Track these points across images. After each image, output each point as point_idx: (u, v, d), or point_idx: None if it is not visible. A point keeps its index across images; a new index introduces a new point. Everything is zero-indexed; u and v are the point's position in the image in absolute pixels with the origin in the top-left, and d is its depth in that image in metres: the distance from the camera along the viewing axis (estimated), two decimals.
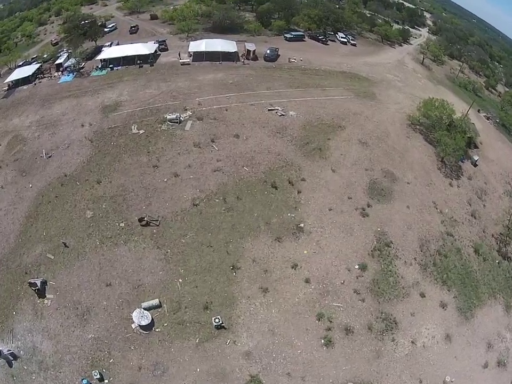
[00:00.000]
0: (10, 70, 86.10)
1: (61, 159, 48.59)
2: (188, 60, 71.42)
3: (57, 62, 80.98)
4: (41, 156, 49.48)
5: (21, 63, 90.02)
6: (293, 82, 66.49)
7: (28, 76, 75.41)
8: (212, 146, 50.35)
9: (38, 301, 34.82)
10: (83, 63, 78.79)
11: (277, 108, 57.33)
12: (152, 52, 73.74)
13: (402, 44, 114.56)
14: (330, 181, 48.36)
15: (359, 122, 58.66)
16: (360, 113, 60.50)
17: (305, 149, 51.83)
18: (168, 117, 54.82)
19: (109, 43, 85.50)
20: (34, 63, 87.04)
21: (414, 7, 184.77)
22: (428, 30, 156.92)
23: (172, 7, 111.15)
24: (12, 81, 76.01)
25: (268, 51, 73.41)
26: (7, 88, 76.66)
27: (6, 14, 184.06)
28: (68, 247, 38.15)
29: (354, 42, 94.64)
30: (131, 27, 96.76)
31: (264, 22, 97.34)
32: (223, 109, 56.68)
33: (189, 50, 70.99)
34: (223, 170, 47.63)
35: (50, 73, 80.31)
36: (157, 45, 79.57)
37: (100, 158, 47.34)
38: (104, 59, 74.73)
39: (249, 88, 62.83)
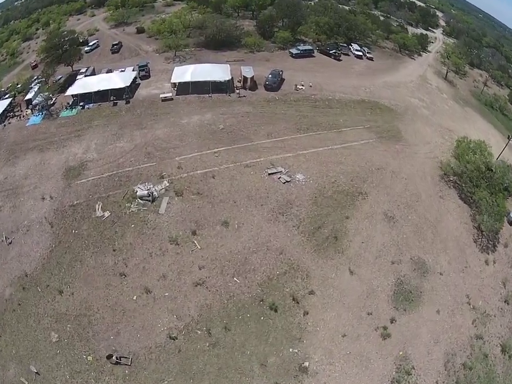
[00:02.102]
0: None
1: (21, 248, 38.31)
2: (170, 94, 54.38)
3: (26, 97, 65.42)
4: (1, 240, 39.86)
5: None
6: (300, 122, 49.68)
7: None
8: (193, 242, 35.24)
9: None
10: (54, 98, 63.72)
11: (280, 169, 41.25)
12: (128, 85, 57.34)
13: (421, 52, 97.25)
14: (347, 290, 33.53)
15: (384, 183, 42.74)
16: (386, 167, 44.37)
17: (316, 237, 36.22)
18: (139, 192, 39.97)
19: (85, 69, 69.41)
20: (7, 96, 72.06)
21: (425, 6, 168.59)
22: (442, 31, 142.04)
23: (162, 16, 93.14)
24: None
25: (270, 77, 57.07)
26: None
27: (1, 22, 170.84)
28: (40, 374, 29.23)
29: (371, 55, 75.71)
30: (113, 45, 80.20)
31: (266, 32, 79.25)
32: (209, 176, 40.99)
33: (172, 80, 52.86)
34: (207, 283, 32.61)
35: (21, 110, 65.60)
36: (136, 72, 63.76)
37: (61, 253, 36.27)
38: (74, 95, 59.31)
39: (245, 137, 46.60)
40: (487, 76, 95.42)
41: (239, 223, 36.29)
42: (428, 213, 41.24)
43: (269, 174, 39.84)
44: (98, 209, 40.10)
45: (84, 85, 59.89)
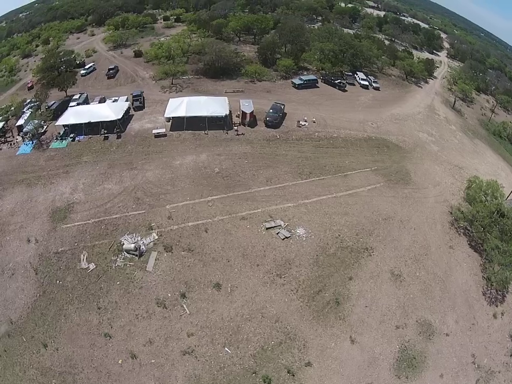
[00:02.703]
0: None
1: (5, 292, 36.58)
2: (164, 130, 50.60)
3: (18, 123, 62.44)
4: None
5: None
6: (303, 165, 46.57)
7: None
8: (182, 306, 32.35)
9: None
10: (46, 126, 60.69)
11: (278, 223, 38.07)
12: (120, 117, 53.97)
13: (427, 79, 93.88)
14: (347, 360, 30.18)
15: (391, 235, 39.52)
16: (393, 216, 41.07)
17: (316, 302, 32.99)
18: (126, 245, 36.97)
19: (78, 95, 66.20)
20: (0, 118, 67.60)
21: (430, 27, 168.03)
22: (446, 54, 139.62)
23: (161, 39, 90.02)
24: None
25: (270, 112, 53.60)
26: None
27: (5, 34, 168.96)
28: None
29: (377, 85, 72.13)
30: (109, 69, 77.15)
31: (267, 59, 76.51)
32: (201, 229, 37.76)
33: (166, 115, 49.14)
34: (196, 352, 29.68)
35: (13, 136, 62.74)
36: (129, 103, 60.70)
37: (45, 304, 34.28)
38: (65, 125, 56.41)
39: (242, 183, 43.51)
40: (494, 102, 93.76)
41: (232, 286, 33.26)
42: (437, 267, 38.30)
43: (267, 228, 36.55)
44: (83, 259, 37.49)
45: (75, 114, 56.94)
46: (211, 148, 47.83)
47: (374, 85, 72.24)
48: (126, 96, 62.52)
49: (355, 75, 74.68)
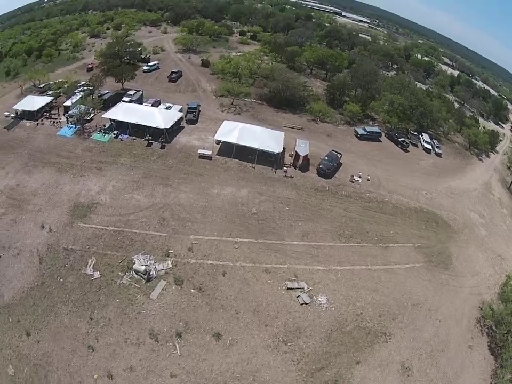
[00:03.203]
0: (34, 88, 78.36)
1: (5, 269, 38.46)
2: (210, 153, 51.60)
3: (66, 103, 66.85)
4: None
5: (42, 85, 79.39)
6: (345, 226, 46.17)
7: (34, 112, 64.72)
8: (175, 345, 32.12)
9: None
10: (93, 114, 63.80)
11: (302, 285, 37.77)
12: (168, 128, 56.38)
13: (489, 153, 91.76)
14: None
15: (415, 324, 37.78)
16: (423, 303, 39.65)
17: (314, 379, 31.13)
18: (136, 264, 37.64)
19: (134, 92, 69.43)
20: (50, 92, 75.05)
21: (498, 96, 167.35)
22: (510, 127, 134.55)
23: (232, 53, 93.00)
24: (18, 111, 65.93)
25: (325, 159, 54.38)
26: (14, 115, 66.51)
27: (80, 8, 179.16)
28: None
29: (440, 151, 71.69)
30: (172, 72, 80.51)
31: (335, 100, 78.29)
32: (219, 271, 38.04)
33: (216, 137, 50.40)
34: None
35: (58, 115, 67.19)
36: (182, 114, 63.04)
37: (40, 296, 35.75)
38: (112, 119, 59.48)
39: (276, 231, 43.53)
40: None
41: (232, 340, 32.81)
42: (450, 366, 35.93)
43: (288, 288, 36.34)
44: (90, 265, 38.52)
45: (125, 111, 60.27)
46: (254, 184, 48.52)
47: (437, 150, 71.58)
48: (181, 106, 65.20)
49: (420, 135, 73.85)
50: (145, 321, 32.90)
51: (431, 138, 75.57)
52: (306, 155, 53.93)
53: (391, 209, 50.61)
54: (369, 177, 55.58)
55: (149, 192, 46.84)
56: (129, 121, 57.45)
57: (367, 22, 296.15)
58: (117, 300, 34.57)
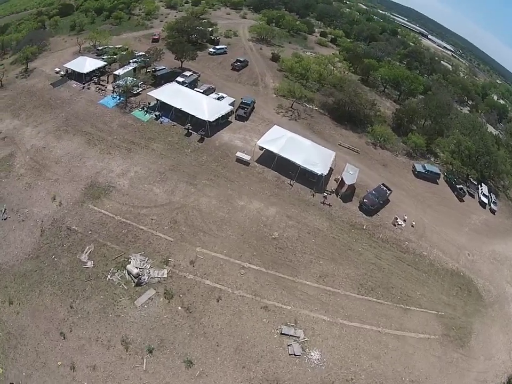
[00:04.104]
0: (93, 49, 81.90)
1: (8, 232, 41.33)
2: (248, 158, 50.90)
3: (116, 71, 68.49)
4: (0, 211, 43.23)
5: (100, 48, 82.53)
6: (370, 276, 43.09)
7: (83, 74, 67.52)
8: (142, 359, 31.84)
9: None
10: (141, 88, 63.27)
11: (299, 334, 35.29)
12: (212, 121, 55.70)
13: None
14: None
15: None
16: (423, 381, 35.22)
17: None
18: (131, 265, 37.72)
19: (189, 74, 70.47)
20: (105, 56, 77.87)
21: None
22: None
23: (307, 53, 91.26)
24: (68, 69, 69.23)
25: (372, 193, 51.73)
26: (64, 74, 70.40)
27: None
28: None
29: (495, 207, 66.51)
30: (237, 60, 79.72)
31: (401, 126, 75.05)
32: (215, 295, 36.80)
33: (259, 143, 48.75)
34: None
35: (107, 81, 69.47)
36: (232, 108, 62.44)
37: (32, 269, 37.89)
38: (157, 99, 59.81)
39: (292, 265, 41.43)
40: None
41: (202, 372, 31.62)
42: None
43: (282, 333, 34.59)
44: (86, 252, 39.41)
45: (172, 93, 60.89)
46: (286, 205, 47.37)
47: (492, 206, 65.98)
48: (234, 100, 63.74)
49: (479, 185, 68.44)
50: (122, 326, 33.30)
51: (489, 191, 70.07)
52: (352, 185, 50.55)
53: (426, 266, 46.87)
54: (414, 223, 51.96)
55: (170, 187, 46.80)
56: (173, 105, 57.39)
57: (451, 50, 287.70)
58: (101, 296, 35.25)
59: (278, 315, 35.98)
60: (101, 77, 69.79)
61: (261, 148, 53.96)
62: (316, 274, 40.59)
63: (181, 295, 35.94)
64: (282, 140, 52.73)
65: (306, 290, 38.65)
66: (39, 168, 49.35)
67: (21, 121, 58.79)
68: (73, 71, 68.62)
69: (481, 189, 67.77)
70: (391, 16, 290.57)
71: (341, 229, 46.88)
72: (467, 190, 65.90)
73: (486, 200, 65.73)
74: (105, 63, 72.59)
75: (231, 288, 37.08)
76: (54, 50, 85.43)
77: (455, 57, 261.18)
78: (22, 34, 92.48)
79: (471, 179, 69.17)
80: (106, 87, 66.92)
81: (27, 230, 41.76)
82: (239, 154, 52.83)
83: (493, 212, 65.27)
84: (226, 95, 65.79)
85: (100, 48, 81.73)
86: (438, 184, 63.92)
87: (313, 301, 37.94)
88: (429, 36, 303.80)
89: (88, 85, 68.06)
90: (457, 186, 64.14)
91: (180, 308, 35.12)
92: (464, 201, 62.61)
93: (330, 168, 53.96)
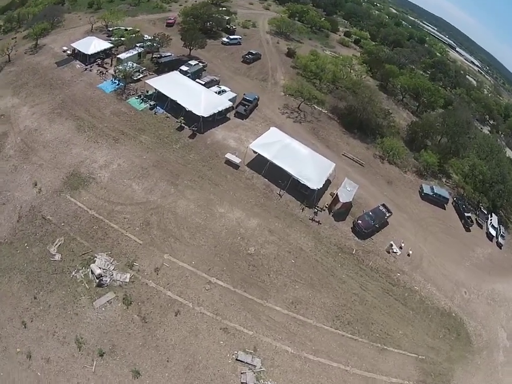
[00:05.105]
0: (104, 29, 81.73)
1: None
2: (238, 161, 49.75)
3: (120, 55, 68.30)
4: None
5: (111, 29, 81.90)
6: (350, 308, 40.16)
7: (87, 55, 67.14)
8: (93, 361, 31.86)
9: None
10: (142, 75, 64.10)
11: (256, 362, 33.38)
12: (206, 116, 54.10)
13: None
14: None
15: None
16: None
17: None
18: (95, 264, 37.27)
19: (195, 63, 70.15)
20: (113, 38, 77.16)
21: None
22: None
23: (326, 52, 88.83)
24: (75, 49, 69.04)
25: (368, 214, 49.11)
26: (70, 53, 70.32)
27: None
28: None
29: (503, 241, 63.72)
30: (249, 53, 78.37)
31: (415, 140, 72.29)
32: (174, 308, 35.43)
33: (251, 146, 48.10)
34: None
35: (111, 65, 69.13)
36: (231, 104, 60.16)
37: (4, 254, 38.45)
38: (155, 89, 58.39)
39: (263, 287, 38.93)
40: None
41: None
42: None
43: (237, 359, 33.14)
44: (56, 244, 39.36)
45: (170, 83, 59.48)
46: (270, 218, 45.60)
47: (499, 239, 63.08)
48: (236, 95, 61.89)
49: (489, 215, 65.41)
50: (78, 325, 33.35)
51: (499, 223, 66.85)
52: (349, 203, 48.33)
53: (415, 303, 44.29)
54: (411, 251, 49.25)
55: (149, 185, 45.87)
56: (168, 95, 56.26)
57: (477, 66, 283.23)
58: (63, 292, 35.32)
59: (237, 339, 34.47)
60: (105, 60, 68.70)
61: (255, 151, 51.75)
62: (288, 300, 38.60)
63: (139, 303, 35.08)
64: (276, 146, 50.63)
65: (274, 316, 36.84)
66: (27, 151, 49.24)
67: (20, 99, 58.66)
68: (79, 51, 68.01)
69: (491, 219, 64.96)
70: (421, 23, 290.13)
71: (326, 251, 44.65)
72: (475, 219, 63.15)
73: (494, 233, 62.97)
74: (112, 45, 71.19)
75: (192, 304, 35.84)
76: (67, 27, 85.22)
77: (481, 73, 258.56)
78: (39, 9, 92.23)
79: (482, 207, 66.34)
80: (107, 71, 65.92)
81: (6, 214, 41.97)
82: (228, 156, 51.09)
83: (499, 245, 62.45)
84: (228, 89, 64.14)
85: (110, 29, 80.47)
86: (445, 209, 61.08)
87: (280, 329, 36.15)
88: (457, 49, 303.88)
89: (91, 66, 67.50)
90: (466, 214, 61.37)
91: (136, 316, 34.33)
92: (470, 231, 59.87)
93: (328, 180, 51.51)
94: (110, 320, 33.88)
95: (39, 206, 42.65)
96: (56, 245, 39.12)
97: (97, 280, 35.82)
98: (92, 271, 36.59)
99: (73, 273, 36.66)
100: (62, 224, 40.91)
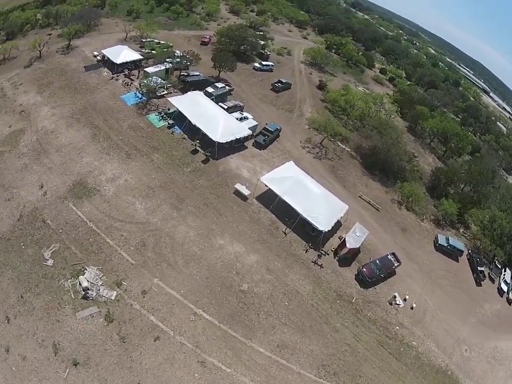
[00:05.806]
0: (138, 39, 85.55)
1: None
2: (247, 193, 51.46)
3: (148, 68, 71.26)
4: None
5: (144, 40, 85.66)
6: (339, 358, 39.40)
7: (115, 64, 70.49)
8: (66, 368, 32.97)
9: None
10: (167, 91, 66.56)
11: None
12: (222, 142, 55.62)
13: None
14: None
15: None
16: None
17: None
18: (84, 277, 38.67)
19: (222, 85, 72.63)
20: (144, 50, 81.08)
21: None
22: None
23: (359, 88, 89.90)
24: (104, 56, 72.88)
25: (375, 263, 49.14)
26: (100, 59, 73.88)
27: None
28: None
29: None
30: (279, 81, 79.77)
31: (437, 187, 72.38)
32: (154, 333, 36.03)
33: (263, 179, 49.94)
34: None
35: (137, 77, 71.97)
36: (250, 132, 61.10)
37: (2, 247, 40.54)
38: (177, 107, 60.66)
39: (251, 326, 39.20)
40: None
41: None
42: None
43: None
44: (50, 250, 41.11)
45: (191, 103, 61.51)
46: (270, 256, 46.29)
47: (510, 295, 61.47)
48: (257, 124, 63.40)
49: (503, 270, 64.24)
50: (58, 331, 34.72)
51: None
52: (354, 249, 48.58)
53: (410, 359, 43.64)
54: (414, 305, 49.10)
55: (152, 206, 47.66)
56: (187, 116, 58.16)
57: (509, 112, 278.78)
58: (49, 297, 36.81)
59: (213, 374, 34.98)
60: (132, 71, 71.31)
61: (266, 185, 52.53)
62: (273, 342, 38.86)
63: (120, 322, 36.26)
64: (289, 182, 51.53)
65: (256, 357, 37.17)
66: (40, 152, 51.87)
67: (43, 98, 62.11)
68: (109, 58, 71.54)
69: (504, 275, 64.25)
70: (458, 66, 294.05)
71: (324, 297, 44.91)
72: (488, 273, 62.45)
73: (505, 288, 62.23)
74: (141, 57, 73.81)
75: (173, 332, 36.75)
76: (102, 32, 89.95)
77: None
78: (78, 8, 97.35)
79: (497, 261, 65.54)
80: (132, 82, 68.44)
81: (9, 210, 44.33)
82: (238, 186, 52.40)
83: (509, 302, 61.51)
84: (251, 117, 66.06)
85: (144, 40, 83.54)
86: (458, 261, 60.59)
87: (259, 371, 36.32)
88: (491, 94, 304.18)
89: (117, 76, 70.50)
90: (479, 268, 60.80)
91: (115, 334, 35.44)
92: (481, 285, 59.15)
93: (338, 222, 51.89)
94: (89, 333, 35.13)
95: (41, 209, 44.86)
96: (50, 250, 41.03)
97: (83, 293, 37.45)
98: (80, 282, 38.15)
99: (62, 281, 38.25)
100: (60, 231, 42.85)
